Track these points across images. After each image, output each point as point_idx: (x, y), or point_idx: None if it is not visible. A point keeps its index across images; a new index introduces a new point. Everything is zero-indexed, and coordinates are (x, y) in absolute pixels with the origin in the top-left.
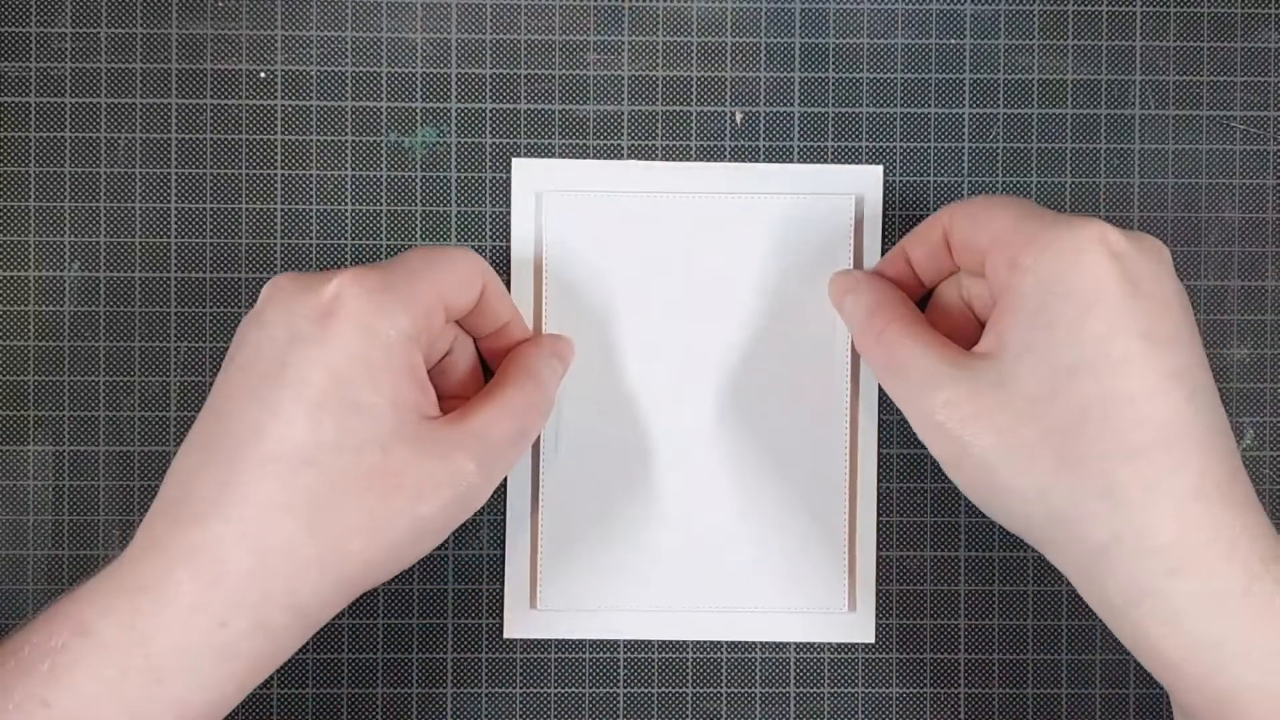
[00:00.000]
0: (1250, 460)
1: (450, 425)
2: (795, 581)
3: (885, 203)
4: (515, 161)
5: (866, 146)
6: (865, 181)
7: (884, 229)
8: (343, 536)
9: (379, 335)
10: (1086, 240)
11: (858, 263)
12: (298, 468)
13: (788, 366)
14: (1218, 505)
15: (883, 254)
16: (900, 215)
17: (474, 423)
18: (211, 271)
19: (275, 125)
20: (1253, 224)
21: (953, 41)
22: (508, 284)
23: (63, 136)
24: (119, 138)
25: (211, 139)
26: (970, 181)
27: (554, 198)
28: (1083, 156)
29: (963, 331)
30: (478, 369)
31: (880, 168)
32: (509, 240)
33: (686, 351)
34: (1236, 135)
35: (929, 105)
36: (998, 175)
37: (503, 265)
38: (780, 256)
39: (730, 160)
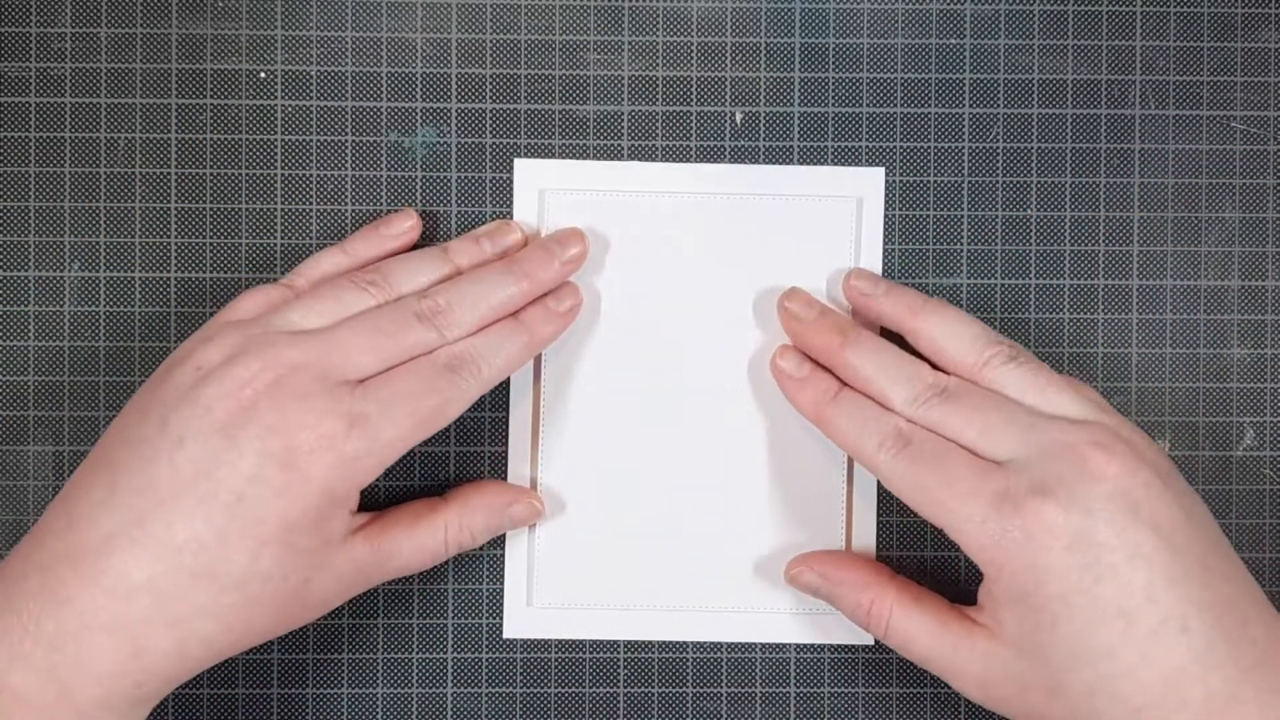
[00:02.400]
0: (1250, 460)
1: (365, 550)
2: None
3: (885, 203)
4: (518, 162)
5: (866, 146)
6: (867, 184)
7: (885, 231)
8: (248, 638)
9: (335, 494)
10: (1041, 546)
11: (857, 263)
12: (228, 588)
13: None
14: (1232, 714)
15: (883, 256)
16: (900, 215)
17: (383, 547)
18: (211, 271)
19: (275, 125)
20: (1253, 224)
21: (953, 41)
22: None
23: (63, 136)
24: (119, 138)
25: (211, 139)
26: (970, 181)
27: (557, 197)
28: (1083, 156)
29: None
30: None
31: (882, 170)
32: None
33: (686, 352)
34: (1236, 135)
35: (929, 105)
36: (998, 175)
37: None
38: (781, 257)
39: (730, 160)
